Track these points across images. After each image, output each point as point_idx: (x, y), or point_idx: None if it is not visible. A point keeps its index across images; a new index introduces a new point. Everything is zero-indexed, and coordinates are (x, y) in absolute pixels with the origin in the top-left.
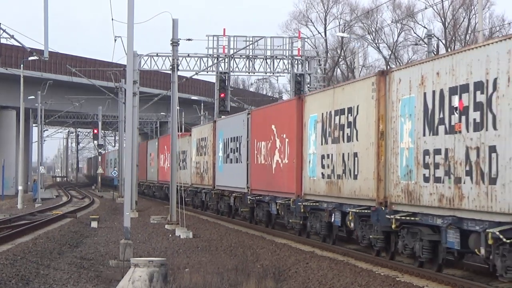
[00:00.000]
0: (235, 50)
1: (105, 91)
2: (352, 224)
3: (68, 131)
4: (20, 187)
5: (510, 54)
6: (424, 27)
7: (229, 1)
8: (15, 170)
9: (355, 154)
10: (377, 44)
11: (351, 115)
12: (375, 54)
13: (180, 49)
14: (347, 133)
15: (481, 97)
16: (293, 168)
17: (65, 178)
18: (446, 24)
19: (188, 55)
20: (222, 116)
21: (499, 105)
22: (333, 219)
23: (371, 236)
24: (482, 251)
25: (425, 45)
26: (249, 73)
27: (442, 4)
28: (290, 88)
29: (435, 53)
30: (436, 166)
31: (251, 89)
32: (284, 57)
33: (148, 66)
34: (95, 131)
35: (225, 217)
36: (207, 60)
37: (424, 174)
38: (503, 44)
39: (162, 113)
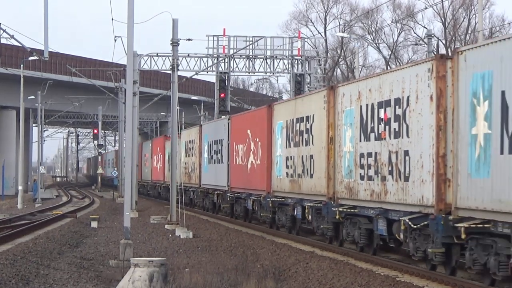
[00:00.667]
0: (235, 50)
1: (105, 91)
2: (309, 217)
3: (68, 131)
4: (20, 187)
5: (417, 77)
6: (424, 27)
7: (229, 1)
8: (15, 170)
9: (311, 157)
10: (377, 44)
11: (308, 123)
12: (375, 54)
13: (180, 49)
14: (305, 138)
15: (399, 111)
16: (264, 168)
17: (65, 178)
18: (446, 24)
19: (188, 55)
20: (225, 116)
21: (411, 117)
22: (295, 212)
23: (322, 226)
24: (401, 236)
25: (425, 45)
26: (249, 73)
27: (442, 4)
28: (290, 88)
29: (435, 53)
30: (369, 166)
31: (251, 89)
32: (284, 57)
33: (148, 66)
34: (95, 131)
35: (227, 217)
36: (207, 60)
37: (360, 173)
38: (413, 69)
39: (162, 113)
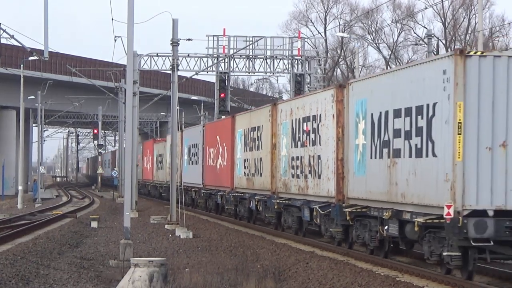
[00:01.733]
0: (235, 50)
1: (105, 91)
2: (260, 208)
3: (68, 131)
4: (20, 187)
5: (325, 100)
6: (424, 27)
7: (229, 1)
8: (15, 170)
9: (261, 159)
10: (377, 44)
11: (258, 132)
12: (375, 54)
13: (180, 49)
14: (257, 144)
15: (315, 125)
16: (229, 169)
17: (65, 178)
18: (446, 24)
19: (188, 55)
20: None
21: (322, 130)
22: (251, 205)
23: (267, 215)
24: (318, 220)
25: (425, 45)
26: (249, 73)
27: (442, 4)
28: (290, 88)
29: (435, 53)
30: (297, 167)
31: (251, 89)
32: (284, 57)
33: (148, 66)
34: (95, 131)
35: (228, 218)
36: (207, 60)
37: (291, 173)
38: (323, 94)
39: (162, 113)
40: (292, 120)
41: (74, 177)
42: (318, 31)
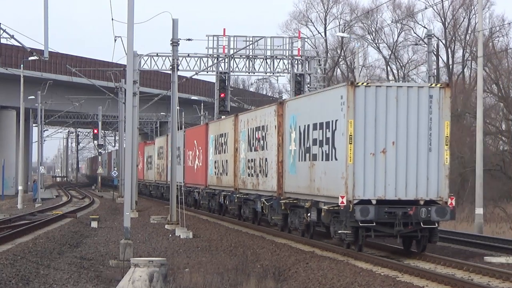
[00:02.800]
0: (235, 50)
1: (105, 91)
2: (227, 202)
3: (68, 131)
4: (20, 187)
5: (271, 113)
6: (424, 27)
7: (229, 1)
8: (15, 170)
9: (227, 161)
10: (377, 44)
11: (225, 138)
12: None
13: (180, 49)
14: (224, 148)
15: (263, 133)
16: (203, 169)
17: (65, 178)
18: (446, 24)
19: (188, 55)
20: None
21: (268, 138)
22: (220, 199)
23: (230, 207)
24: (266, 210)
25: (425, 45)
26: (249, 73)
27: (442, 4)
28: (290, 88)
29: (435, 53)
30: (252, 168)
31: (251, 89)
32: (284, 57)
33: (148, 66)
34: (95, 131)
35: (228, 218)
36: (207, 60)
37: (248, 172)
38: (269, 108)
39: (162, 113)
40: (248, 129)
41: (74, 177)
42: (318, 31)
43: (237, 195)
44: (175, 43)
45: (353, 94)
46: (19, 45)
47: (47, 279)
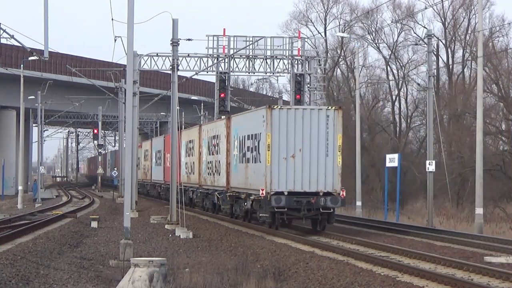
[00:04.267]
0: (235, 50)
1: (105, 91)
2: (194, 196)
3: (68, 131)
4: (20, 187)
5: (222, 126)
6: (424, 27)
7: (229, 1)
8: (15, 170)
9: (193, 163)
10: (377, 44)
11: (192, 143)
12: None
13: (180, 49)
14: (192, 152)
15: (217, 141)
16: (178, 169)
17: (65, 178)
18: (446, 24)
19: (188, 55)
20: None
21: (220, 144)
22: (189, 194)
23: (196, 200)
24: (219, 202)
25: (425, 45)
26: (249, 73)
27: (442, 4)
28: (290, 88)
29: (435, 53)
30: (210, 168)
31: (251, 89)
32: (284, 57)
33: (148, 66)
34: (95, 131)
35: (228, 218)
36: (207, 60)
37: (207, 172)
38: (221, 121)
39: (162, 113)
40: (208, 137)
41: (74, 177)
42: (318, 31)
43: (200, 190)
44: (175, 43)
45: (270, 115)
46: (19, 45)
47: (47, 279)
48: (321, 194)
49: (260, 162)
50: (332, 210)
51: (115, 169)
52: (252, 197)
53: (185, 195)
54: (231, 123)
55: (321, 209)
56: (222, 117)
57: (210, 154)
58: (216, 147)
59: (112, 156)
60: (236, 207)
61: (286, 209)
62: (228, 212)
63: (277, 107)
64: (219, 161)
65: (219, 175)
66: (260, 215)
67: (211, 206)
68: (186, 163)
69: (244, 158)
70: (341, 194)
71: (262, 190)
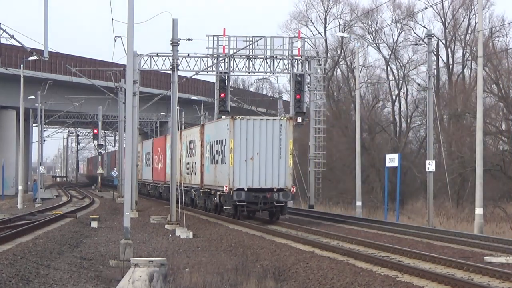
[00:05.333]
0: (235, 50)
1: (105, 91)
2: (189, 195)
3: (68, 131)
4: (20, 187)
5: (198, 131)
6: (424, 27)
7: (229, 1)
8: (15, 170)
9: (182, 164)
10: (377, 44)
11: (179, 146)
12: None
13: (180, 49)
14: (181, 155)
15: (194, 145)
16: (164, 169)
17: (65, 178)
18: (446, 24)
19: (188, 55)
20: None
21: (196, 148)
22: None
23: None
24: (196, 197)
25: (425, 45)
26: (249, 73)
27: (442, 4)
28: (290, 88)
29: (435, 53)
30: (188, 168)
31: (251, 89)
32: (284, 57)
33: (148, 66)
34: (95, 131)
35: (228, 218)
36: (207, 60)
37: (187, 171)
38: (196, 128)
39: (162, 113)
40: (187, 141)
41: (74, 177)
42: (318, 31)
43: (181, 187)
44: (175, 43)
45: (233, 124)
46: (19, 45)
47: (47, 279)
48: (275, 190)
49: (225, 163)
50: (284, 204)
51: (115, 169)
52: (219, 193)
53: (169, 192)
54: (204, 130)
55: (275, 203)
56: (198, 124)
57: (188, 156)
58: (193, 150)
59: (108, 157)
60: (208, 202)
61: (246, 203)
62: (202, 206)
63: (239, 117)
64: (195, 163)
65: (195, 174)
66: (225, 207)
67: (190, 201)
68: (169, 164)
69: (213, 160)
70: (291, 190)
71: (226, 186)
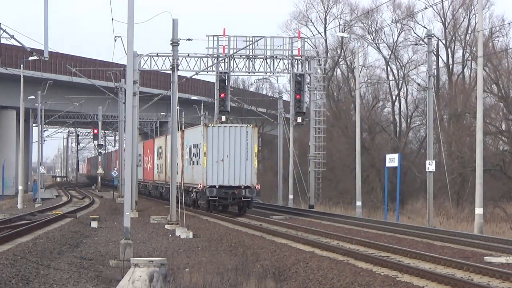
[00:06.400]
0: (235, 50)
1: (105, 91)
2: (163, 191)
3: (68, 131)
4: (20, 187)
5: (180, 136)
6: (424, 27)
7: (229, 1)
8: (15, 170)
9: (162, 164)
10: (377, 44)
11: (161, 149)
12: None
13: (180, 49)
14: (161, 156)
15: (162, 150)
16: (152, 169)
17: (65, 178)
18: (446, 24)
19: (188, 55)
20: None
21: (178, 151)
22: (160, 189)
23: (163, 194)
24: (178, 194)
25: (425, 45)
26: (249, 73)
27: (442, 4)
28: (290, 88)
29: (435, 53)
30: (159, 168)
31: (251, 89)
32: (284, 57)
33: (148, 66)
34: (95, 131)
35: (228, 218)
36: (207, 60)
37: (161, 172)
38: (179, 133)
39: (162, 113)
40: (158, 147)
41: (74, 177)
42: (318, 31)
43: (166, 186)
44: (175, 43)
45: (206, 130)
46: (19, 45)
47: (47, 279)
48: (242, 187)
49: (200, 164)
50: (250, 199)
51: (115, 169)
52: (195, 190)
53: (157, 190)
54: (184, 135)
55: (242, 198)
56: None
57: (158, 159)
58: (164, 154)
59: (105, 158)
60: (187, 198)
61: (217, 198)
62: (186, 203)
63: (211, 125)
64: (177, 164)
65: (177, 173)
66: (199, 202)
67: (160, 196)
68: (157, 165)
69: (191, 161)
70: (256, 187)
71: (200, 184)
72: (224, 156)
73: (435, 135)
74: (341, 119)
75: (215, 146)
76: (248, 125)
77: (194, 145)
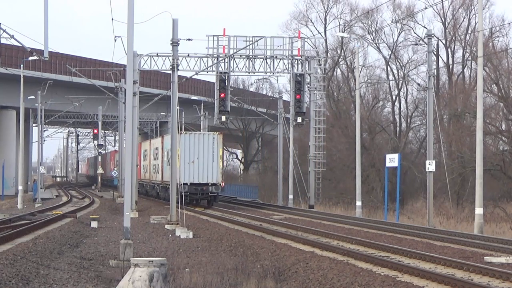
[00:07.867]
0: (235, 50)
1: (105, 91)
2: (148, 188)
3: (68, 131)
4: (20, 187)
5: (158, 142)
6: (424, 27)
7: (229, 1)
8: (15, 170)
9: (147, 165)
10: (377, 44)
11: (146, 152)
12: (375, 54)
13: (180, 49)
14: (146, 158)
15: (157, 151)
16: (139, 169)
17: (65, 178)
18: (446, 24)
19: (188, 55)
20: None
21: (159, 154)
22: (145, 187)
23: (148, 191)
24: (158, 191)
25: (425, 45)
26: (249, 73)
27: (442, 4)
28: (290, 88)
29: (435, 53)
30: (154, 169)
31: (251, 89)
32: (284, 57)
33: (148, 66)
34: (95, 131)
35: (228, 218)
36: (207, 60)
37: (153, 171)
38: (158, 139)
39: (162, 113)
40: (153, 148)
41: (74, 177)
42: (318, 31)
43: (150, 184)
44: (175, 43)
45: (179, 137)
46: (19, 45)
47: (47, 279)
48: (209, 184)
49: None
50: (216, 194)
51: (115, 169)
52: (167, 186)
53: (143, 188)
54: (164, 140)
55: (209, 194)
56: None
57: (154, 159)
58: (157, 155)
59: (101, 159)
60: (166, 194)
61: (188, 194)
62: (162, 197)
63: (184, 133)
64: (158, 164)
65: (159, 173)
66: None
67: (156, 194)
68: (143, 165)
69: (168, 162)
70: (221, 184)
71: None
72: (194, 158)
73: (435, 135)
74: (341, 119)
75: (187, 150)
76: (215, 133)
77: (170, 149)
